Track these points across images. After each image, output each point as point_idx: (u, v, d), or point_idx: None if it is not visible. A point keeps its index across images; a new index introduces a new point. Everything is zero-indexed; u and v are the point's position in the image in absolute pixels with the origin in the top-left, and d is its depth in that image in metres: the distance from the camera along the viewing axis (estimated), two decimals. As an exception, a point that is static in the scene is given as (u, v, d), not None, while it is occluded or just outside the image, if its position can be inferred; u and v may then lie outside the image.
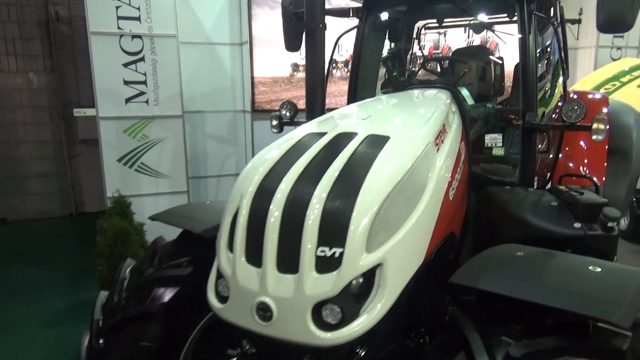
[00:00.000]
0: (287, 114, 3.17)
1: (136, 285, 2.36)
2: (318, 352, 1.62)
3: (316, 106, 3.29)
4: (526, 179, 2.93)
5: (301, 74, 6.12)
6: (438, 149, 2.05)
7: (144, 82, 5.15)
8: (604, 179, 3.20)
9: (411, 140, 1.93)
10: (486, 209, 2.76)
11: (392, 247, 1.63)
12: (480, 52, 3.97)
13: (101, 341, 2.30)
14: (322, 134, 2.02)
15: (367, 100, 2.86)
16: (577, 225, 2.35)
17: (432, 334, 1.91)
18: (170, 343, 2.26)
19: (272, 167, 1.85)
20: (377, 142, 1.89)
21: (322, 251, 1.58)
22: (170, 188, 5.50)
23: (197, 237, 2.59)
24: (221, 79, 6.09)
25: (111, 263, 3.81)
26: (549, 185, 2.98)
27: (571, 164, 3.35)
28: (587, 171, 3.20)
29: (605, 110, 3.47)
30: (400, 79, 3.62)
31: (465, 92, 3.18)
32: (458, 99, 2.78)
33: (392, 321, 1.69)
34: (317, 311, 1.58)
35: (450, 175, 2.09)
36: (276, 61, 5.92)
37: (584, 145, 3.32)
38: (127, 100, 5.11)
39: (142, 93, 5.16)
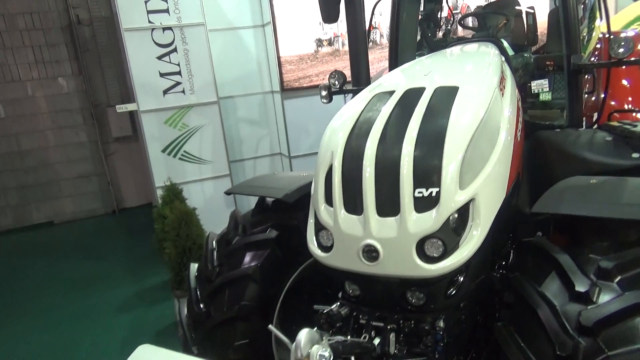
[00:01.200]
0: (336, 83, 3.30)
1: (228, 252, 2.55)
2: (422, 283, 1.79)
3: (361, 73, 3.43)
4: (575, 121, 3.02)
5: (325, 49, 6.22)
6: (503, 94, 2.18)
7: (179, 73, 5.31)
8: (649, 116, 3.29)
9: (479, 88, 2.06)
10: (540, 152, 2.87)
11: (480, 183, 1.78)
12: (511, 3, 4.02)
13: (202, 306, 2.51)
14: (391, 92, 2.15)
15: (417, 60, 2.97)
16: (636, 155, 2.46)
17: (519, 261, 2.07)
18: (266, 301, 2.46)
19: (354, 125, 2.00)
20: (447, 93, 2.02)
21: (419, 192, 1.74)
22: (213, 173, 5.69)
23: (274, 203, 2.78)
24: (247, 62, 6.21)
25: (177, 245, 4.02)
26: (595, 126, 3.07)
27: (613, 103, 3.43)
28: (633, 107, 3.29)
29: (643, 46, 3.53)
30: (436, 40, 3.71)
31: (505, 44, 3.27)
32: (502, 50, 2.88)
33: (483, 252, 1.85)
34: (420, 247, 1.74)
35: (515, 118, 2.22)
36: (300, 39, 6.02)
37: (626, 84, 3.39)
38: (165, 91, 5.28)
39: (178, 83, 5.32)
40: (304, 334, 1.52)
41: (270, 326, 1.74)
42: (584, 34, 3.51)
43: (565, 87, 3.03)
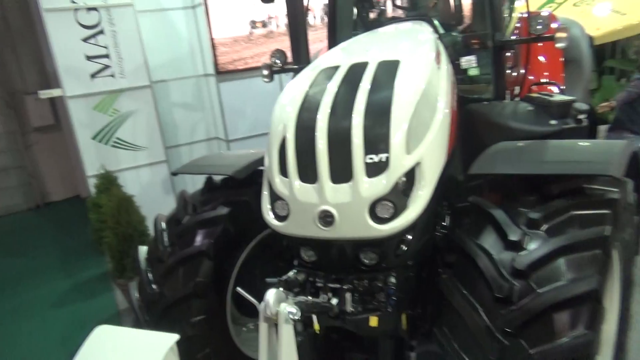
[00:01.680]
0: (278, 61, 3.33)
1: (179, 231, 2.55)
2: (375, 244, 1.92)
3: (302, 51, 3.48)
4: (500, 93, 3.28)
5: (259, 31, 6.18)
6: (439, 67, 2.34)
7: (107, 55, 5.07)
8: (563, 87, 3.63)
9: (419, 61, 2.21)
10: (470, 123, 3.10)
11: (425, 149, 1.93)
12: (439, -14, 4.24)
13: (155, 287, 2.50)
14: (336, 68, 2.24)
15: (354, 38, 3.08)
16: (554, 122, 2.73)
17: (457, 221, 2.25)
18: (221, 277, 2.50)
19: (303, 100, 2.08)
20: (390, 67, 2.14)
21: (370, 158, 1.86)
22: (149, 159, 5.52)
23: (223, 182, 2.80)
24: (179, 45, 6.03)
25: (118, 233, 3.91)
26: (518, 98, 3.35)
27: (532, 77, 3.75)
28: (550, 80, 3.61)
29: (556, 25, 3.87)
30: (370, 20, 3.84)
31: (436, 22, 3.46)
32: (435, 28, 3.06)
33: (428, 213, 2.02)
34: (373, 209, 1.86)
35: (451, 89, 2.40)
36: (233, 20, 5.94)
37: (543, 60, 3.72)
38: (93, 75, 5.03)
39: (106, 67, 5.09)
40: (271, 294, 1.60)
41: (238, 288, 1.79)
42: (506, 14, 3.79)
43: (490, 63, 3.28)
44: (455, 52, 3.61)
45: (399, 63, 2.15)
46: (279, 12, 6.08)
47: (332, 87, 2.06)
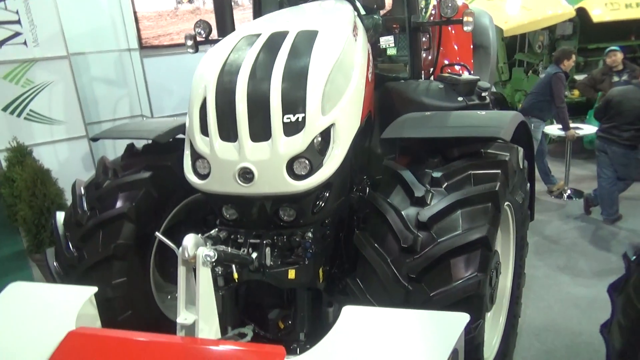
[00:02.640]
0: (202, 32, 3.33)
1: (100, 195, 2.51)
2: (293, 200, 2.04)
3: (227, 23, 3.50)
4: (415, 73, 3.50)
5: (186, 7, 6.07)
6: (356, 40, 2.48)
7: (18, 22, 4.76)
8: (472, 71, 3.93)
9: (336, 31, 2.33)
10: (387, 100, 3.30)
11: (339, 111, 2.07)
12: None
13: (73, 251, 2.45)
14: (257, 35, 2.32)
15: (278, 11, 3.15)
16: (460, 98, 2.98)
17: (372, 184, 2.43)
18: (143, 240, 2.50)
19: (224, 63, 2.14)
20: (308, 36, 2.25)
21: (287, 118, 1.96)
22: (67, 134, 5.26)
23: (144, 148, 2.79)
24: (98, 16, 5.78)
25: (33, 206, 3.74)
26: (432, 78, 3.60)
27: (446, 61, 4.03)
28: (459, 62, 3.90)
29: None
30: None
31: (358, 4, 3.62)
32: (355, 7, 3.21)
33: (343, 174, 2.16)
34: (290, 167, 1.97)
35: (366, 62, 2.55)
36: (158, -6, 5.79)
37: (454, 45, 4.01)
38: (2, 42, 4.71)
39: (17, 34, 4.77)
40: (190, 238, 1.66)
41: (157, 233, 1.83)
42: (422, 5, 4.02)
43: (407, 44, 3.49)
44: (375, 34, 3.80)
45: (317, 33, 2.26)
46: (206, -13, 6.01)
47: (253, 52, 2.14)
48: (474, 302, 1.91)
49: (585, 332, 3.10)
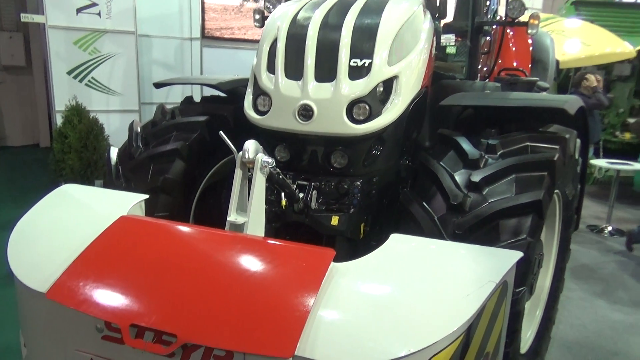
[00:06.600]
0: (271, 7, 3.45)
1: (155, 131, 2.60)
2: (347, 142, 2.06)
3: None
4: (472, 75, 3.52)
5: (251, 4, 6.32)
6: (425, 15, 2.53)
7: (97, -7, 5.07)
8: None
9: (407, 1, 2.40)
10: (443, 94, 3.31)
11: (404, 65, 2.11)
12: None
13: (122, 181, 2.52)
14: None
15: None
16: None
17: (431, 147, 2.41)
18: (190, 180, 2.55)
19: (298, 11, 2.22)
20: (380, 0, 2.32)
21: (354, 62, 2.01)
22: (121, 106, 5.49)
23: (202, 98, 2.88)
24: (169, 4, 6.07)
25: (82, 157, 3.87)
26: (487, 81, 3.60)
27: (502, 62, 4.02)
28: (518, 67, 3.90)
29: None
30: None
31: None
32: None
33: (396, 133, 2.18)
34: (350, 110, 2.01)
35: (432, 37, 2.58)
36: (227, -11, 6.06)
37: (514, 54, 4.01)
38: (79, 10, 5.00)
39: (94, 4, 5.07)
40: (251, 143, 1.69)
41: (220, 132, 1.87)
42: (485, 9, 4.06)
43: (466, 50, 3.52)
44: (436, 40, 3.86)
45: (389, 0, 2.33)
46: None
47: (326, 6, 2.22)
48: (520, 267, 1.85)
49: (621, 353, 2.94)
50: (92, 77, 5.24)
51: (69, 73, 5.10)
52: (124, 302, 1.31)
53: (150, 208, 2.43)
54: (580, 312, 3.44)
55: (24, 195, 5.26)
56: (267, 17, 3.54)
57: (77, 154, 3.88)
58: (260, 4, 6.26)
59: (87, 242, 1.54)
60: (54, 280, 1.41)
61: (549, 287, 2.68)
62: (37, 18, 4.91)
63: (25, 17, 4.85)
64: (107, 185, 2.60)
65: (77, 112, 4.56)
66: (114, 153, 2.72)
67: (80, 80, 5.18)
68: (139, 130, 2.72)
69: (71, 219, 1.73)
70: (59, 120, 4.84)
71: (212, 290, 1.35)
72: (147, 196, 1.92)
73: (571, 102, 2.19)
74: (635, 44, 6.13)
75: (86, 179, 3.91)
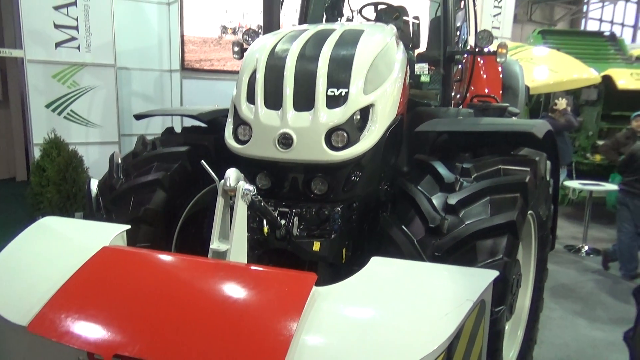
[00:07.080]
0: (250, 40, 3.55)
1: (138, 161, 2.61)
2: (328, 169, 2.11)
3: (273, 24, 3.71)
4: (446, 102, 3.64)
5: (229, 37, 6.44)
6: (398, 45, 2.64)
7: (76, 28, 5.12)
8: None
9: (381, 32, 2.51)
10: (418, 121, 3.41)
11: (380, 94, 2.20)
12: (402, 11, 4.70)
13: (102, 212, 2.52)
14: (304, 30, 2.49)
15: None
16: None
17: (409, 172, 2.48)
18: (171, 210, 2.56)
19: (276, 44, 2.31)
20: (355, 32, 2.43)
21: (331, 91, 2.09)
22: (101, 138, 5.48)
23: (183, 129, 2.91)
24: (148, 37, 6.16)
25: (61, 190, 3.84)
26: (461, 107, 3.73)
27: (473, 89, 4.16)
28: (489, 94, 4.04)
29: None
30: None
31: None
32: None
33: (374, 159, 2.24)
34: (329, 137, 2.07)
35: (405, 67, 2.69)
36: (205, 22, 6.18)
37: (484, 76, 4.17)
38: (58, 44, 5.04)
39: (73, 38, 5.12)
40: (232, 171, 1.72)
41: (202, 162, 1.89)
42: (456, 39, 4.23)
43: (439, 78, 3.65)
44: (410, 69, 4.00)
45: (363, 31, 2.43)
46: (252, 23, 6.40)
47: (302, 39, 2.32)
48: (498, 287, 1.90)
49: (603, 370, 2.99)
50: (71, 110, 5.24)
51: (48, 106, 5.09)
52: (107, 332, 1.31)
53: (132, 239, 2.42)
54: (561, 331, 3.50)
55: (0, 229, 5.15)
56: (246, 49, 3.66)
57: (56, 187, 3.85)
58: (239, 37, 6.42)
59: (69, 273, 1.53)
60: (35, 313, 1.40)
61: (529, 307, 2.73)
62: (15, 52, 4.92)
63: (3, 52, 4.86)
64: (87, 217, 2.60)
65: (55, 145, 4.54)
66: (94, 185, 2.72)
67: (59, 113, 5.17)
68: (120, 161, 2.73)
69: (52, 251, 1.73)
70: (37, 153, 4.81)
71: (195, 318, 1.36)
72: (128, 227, 1.93)
73: (539, 126, 2.29)
74: (600, 70, 6.44)
75: (65, 212, 3.87)
